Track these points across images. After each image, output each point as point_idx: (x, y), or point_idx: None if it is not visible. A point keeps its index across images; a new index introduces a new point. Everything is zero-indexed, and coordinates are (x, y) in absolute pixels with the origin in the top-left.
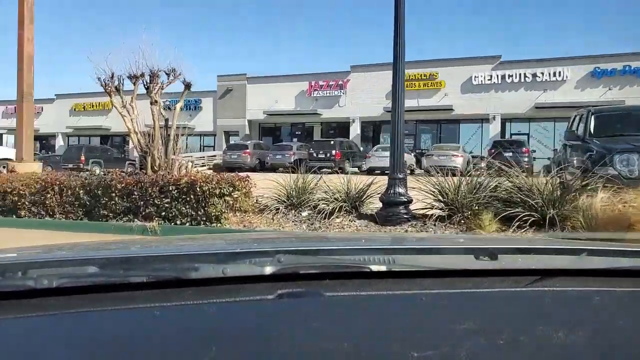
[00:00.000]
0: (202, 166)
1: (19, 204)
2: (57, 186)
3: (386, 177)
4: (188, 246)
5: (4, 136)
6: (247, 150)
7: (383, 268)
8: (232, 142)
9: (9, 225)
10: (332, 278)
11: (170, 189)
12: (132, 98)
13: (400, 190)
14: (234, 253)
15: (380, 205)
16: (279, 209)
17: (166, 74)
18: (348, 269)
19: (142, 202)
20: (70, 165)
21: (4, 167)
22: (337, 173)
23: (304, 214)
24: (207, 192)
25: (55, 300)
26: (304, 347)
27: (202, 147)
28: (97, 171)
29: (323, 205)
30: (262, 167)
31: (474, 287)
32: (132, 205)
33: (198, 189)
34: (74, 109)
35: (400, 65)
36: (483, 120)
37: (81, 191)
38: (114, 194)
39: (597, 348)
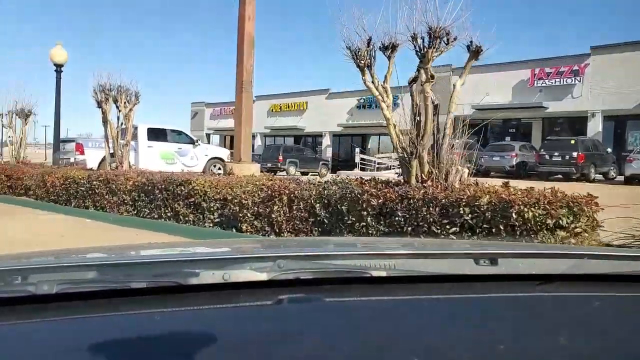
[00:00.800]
0: (387, 169)
1: (239, 215)
2: (286, 196)
3: None
4: (189, 252)
5: (211, 136)
6: (456, 151)
7: (384, 273)
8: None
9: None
10: (333, 283)
11: (461, 211)
12: (386, 77)
13: None
14: (234, 258)
15: None
16: None
17: (439, 37)
18: (348, 274)
19: (409, 229)
20: (269, 165)
21: (214, 166)
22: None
23: None
24: (533, 222)
25: (55, 306)
26: (304, 353)
27: (395, 147)
28: (293, 171)
29: None
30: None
31: (474, 292)
32: (392, 230)
33: (515, 215)
34: (271, 110)
35: None
36: None
37: (317, 204)
38: (365, 212)
39: (598, 353)
